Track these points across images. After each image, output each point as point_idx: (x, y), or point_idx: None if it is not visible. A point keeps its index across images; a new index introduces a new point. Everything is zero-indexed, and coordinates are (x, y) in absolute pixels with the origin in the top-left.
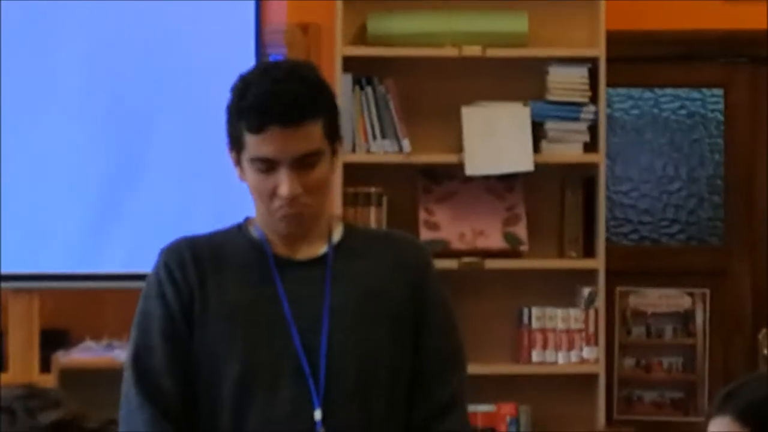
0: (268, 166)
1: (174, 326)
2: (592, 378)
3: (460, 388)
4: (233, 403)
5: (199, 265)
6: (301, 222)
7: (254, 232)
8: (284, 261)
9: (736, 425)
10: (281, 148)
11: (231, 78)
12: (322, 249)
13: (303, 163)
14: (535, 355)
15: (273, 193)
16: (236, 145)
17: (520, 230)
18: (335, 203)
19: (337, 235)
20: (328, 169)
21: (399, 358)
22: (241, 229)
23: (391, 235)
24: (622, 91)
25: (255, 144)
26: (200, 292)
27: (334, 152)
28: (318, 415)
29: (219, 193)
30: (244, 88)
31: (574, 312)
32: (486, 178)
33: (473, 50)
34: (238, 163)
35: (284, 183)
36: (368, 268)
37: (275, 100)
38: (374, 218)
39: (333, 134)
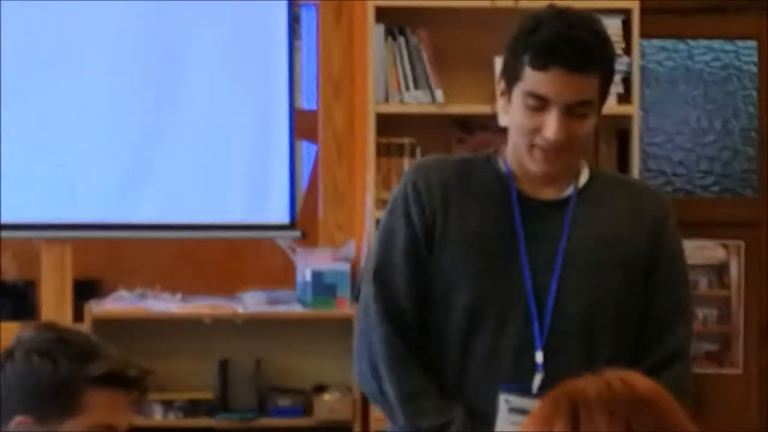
0: (540, 104)
1: (416, 247)
2: None
3: (687, 341)
4: (461, 331)
5: (446, 190)
6: (553, 167)
7: (502, 165)
8: (527, 199)
9: None
10: (559, 90)
11: (262, 29)
12: (566, 192)
13: (573, 111)
14: None
15: (536, 131)
16: (511, 75)
17: None
18: (368, 155)
19: (583, 179)
20: (593, 124)
21: (627, 305)
22: (490, 159)
23: (635, 184)
24: (655, 42)
25: (534, 80)
26: (442, 217)
27: (599, 112)
28: (539, 357)
29: (251, 148)
30: (536, 24)
31: None
32: None
33: (506, 1)
34: (504, 93)
35: (552, 125)
36: (607, 215)
37: (566, 43)
38: (406, 169)
39: (604, 93)
